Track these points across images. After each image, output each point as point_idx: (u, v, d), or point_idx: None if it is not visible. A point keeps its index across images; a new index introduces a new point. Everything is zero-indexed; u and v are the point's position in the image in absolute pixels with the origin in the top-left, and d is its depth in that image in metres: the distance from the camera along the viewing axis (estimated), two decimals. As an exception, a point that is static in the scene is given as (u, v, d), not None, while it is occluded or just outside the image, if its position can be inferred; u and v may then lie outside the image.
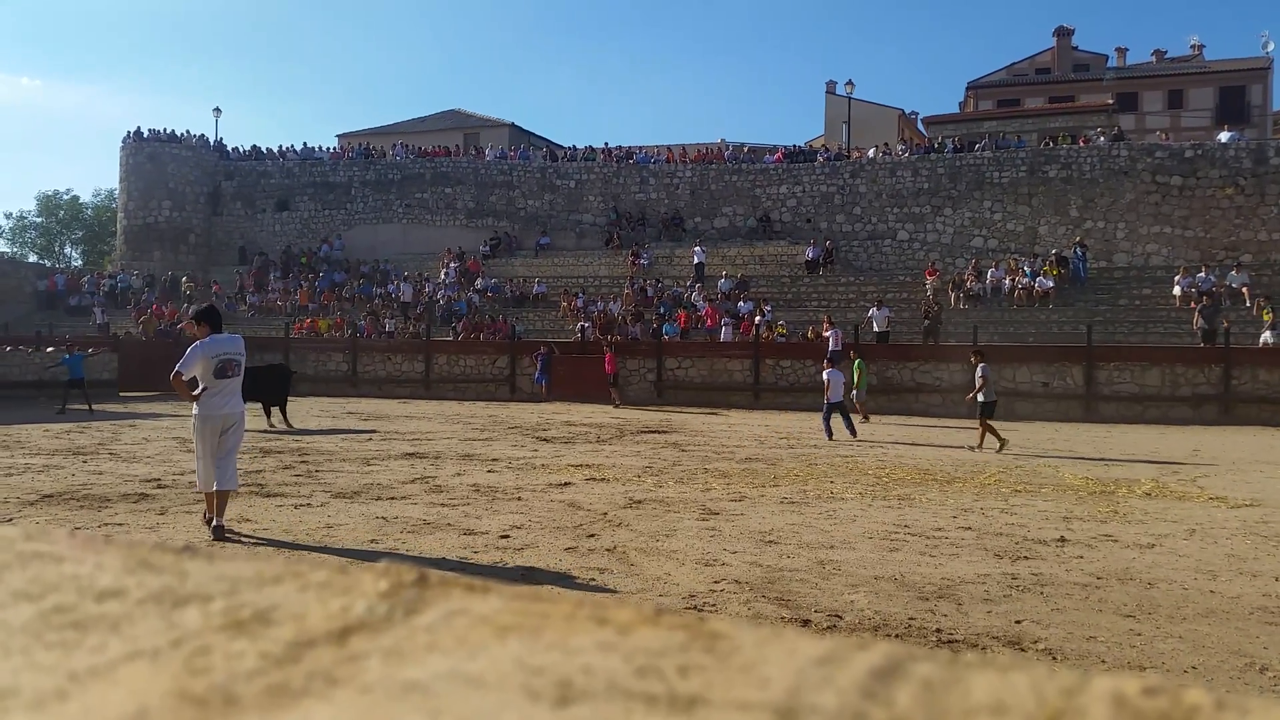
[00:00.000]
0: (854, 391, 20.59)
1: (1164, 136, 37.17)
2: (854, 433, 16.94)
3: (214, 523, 7.84)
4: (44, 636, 0.60)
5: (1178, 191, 32.76)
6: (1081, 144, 34.81)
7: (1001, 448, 14.74)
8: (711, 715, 0.48)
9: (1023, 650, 5.05)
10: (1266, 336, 24.86)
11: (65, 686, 0.54)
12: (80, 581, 0.70)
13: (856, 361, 21.03)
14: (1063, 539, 7.92)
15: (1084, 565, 6.99)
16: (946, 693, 0.49)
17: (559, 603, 0.63)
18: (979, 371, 15.63)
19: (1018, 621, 5.55)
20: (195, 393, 7.90)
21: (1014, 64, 56.40)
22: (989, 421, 15.26)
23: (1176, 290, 28.85)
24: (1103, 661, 4.89)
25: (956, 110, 53.44)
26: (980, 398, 15.41)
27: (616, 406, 24.50)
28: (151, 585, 0.69)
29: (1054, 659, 4.92)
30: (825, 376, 17.39)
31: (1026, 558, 7.21)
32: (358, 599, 0.65)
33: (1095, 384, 23.63)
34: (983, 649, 5.05)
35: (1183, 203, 32.71)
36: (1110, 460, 14.23)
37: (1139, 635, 5.32)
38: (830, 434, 16.79)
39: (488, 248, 39.46)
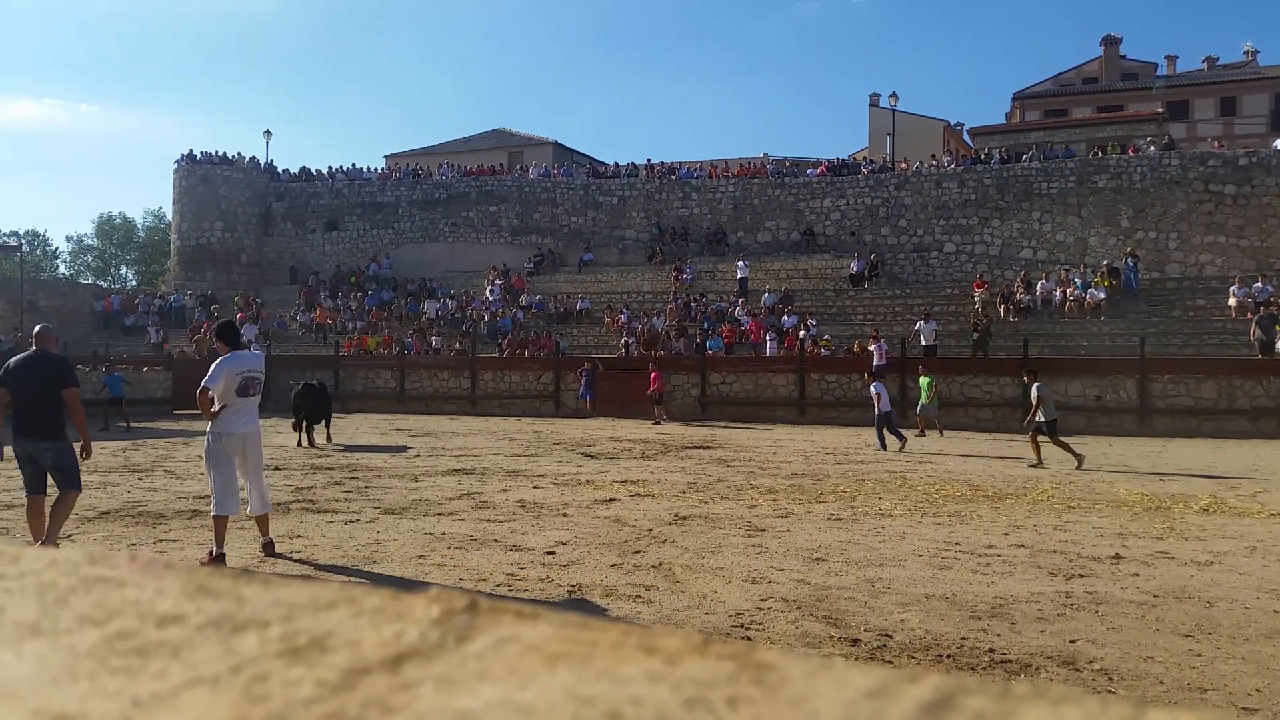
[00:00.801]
0: (920, 406, 20.96)
1: (1215, 144, 36.48)
2: (902, 441, 17.41)
3: (264, 541, 7.82)
4: (109, 662, 0.62)
5: (1232, 200, 32.12)
6: (1131, 153, 34.27)
7: (1079, 463, 14.41)
8: (761, 748, 0.48)
9: (1078, 670, 4.95)
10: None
11: (130, 713, 0.55)
12: (142, 607, 0.72)
13: (928, 379, 21.01)
14: (1118, 556, 7.76)
15: (1140, 583, 6.84)
16: (998, 727, 0.49)
17: (607, 631, 0.63)
18: (1035, 391, 15.11)
19: (1072, 641, 5.45)
20: (214, 410, 7.60)
21: (1061, 74, 55.82)
22: (1060, 438, 14.84)
23: (1232, 301, 28.23)
24: (1161, 683, 4.77)
25: (1003, 121, 52.94)
26: (1041, 416, 14.90)
27: (656, 424, 24.35)
28: (211, 610, 0.70)
29: (1110, 679, 4.82)
30: (873, 390, 18.11)
31: (1081, 575, 7.08)
32: (410, 625, 0.66)
33: (1149, 397, 23.16)
34: (1036, 669, 4.96)
35: (1237, 211, 32.06)
36: (1166, 475, 13.93)
37: (1199, 656, 5.19)
38: (884, 445, 17.49)
39: (532, 264, 39.75)
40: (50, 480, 7.71)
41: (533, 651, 0.61)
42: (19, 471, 7.87)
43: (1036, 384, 15.23)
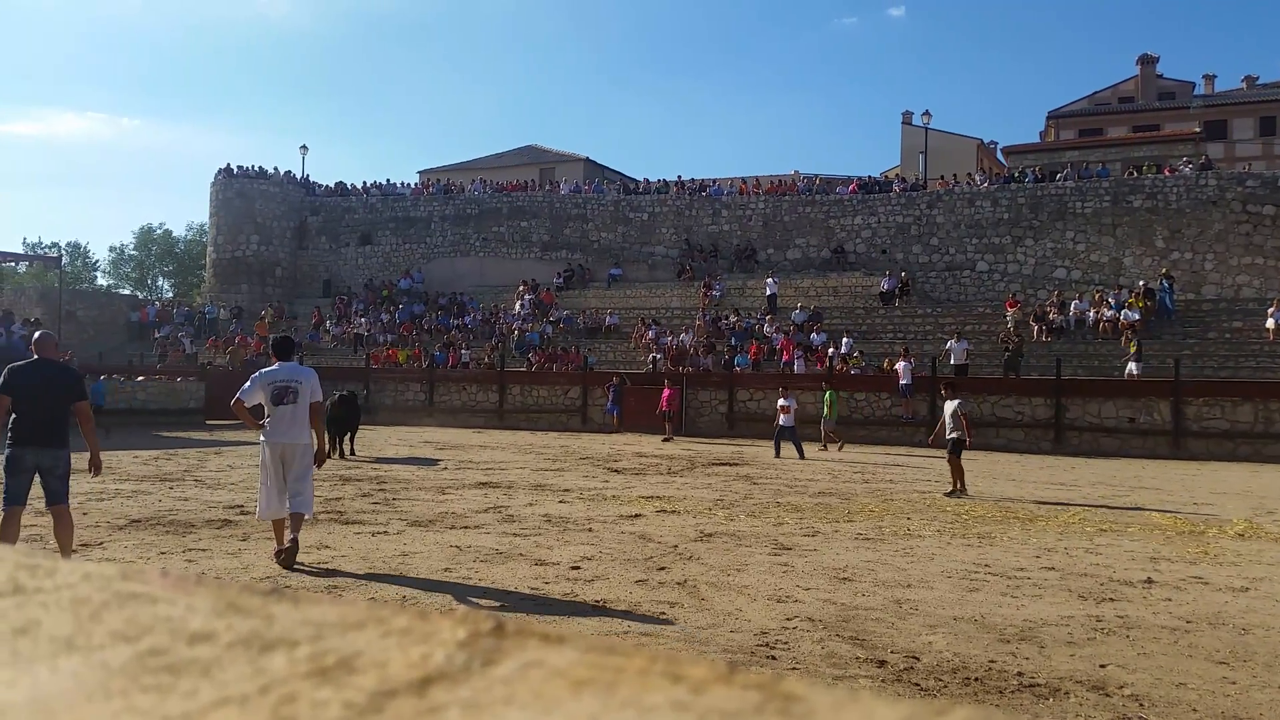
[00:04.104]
0: (823, 419, 22.13)
1: (1247, 167, 35.98)
2: (802, 455, 19.12)
3: (286, 541, 7.87)
4: (141, 680, 0.63)
5: (1270, 221, 31.68)
6: (1167, 173, 33.91)
7: (957, 492, 13.26)
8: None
9: (1108, 695, 4.88)
10: (1132, 368, 24.66)
11: (161, 731, 0.56)
12: (174, 623, 0.72)
13: (828, 393, 22.06)
14: (1150, 580, 7.65)
15: (1172, 608, 6.74)
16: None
17: (633, 657, 0.63)
18: (955, 407, 13.69)
19: (1102, 665, 5.37)
20: (261, 421, 8.08)
21: (1096, 93, 55.43)
22: (959, 460, 13.44)
23: (1270, 323, 27.77)
24: (1194, 710, 4.69)
25: (1037, 140, 52.61)
26: (956, 435, 13.50)
27: (665, 440, 24.25)
28: (240, 629, 0.71)
29: (1141, 705, 4.74)
30: (780, 403, 19.72)
31: (1112, 599, 6.98)
32: (437, 647, 0.66)
33: (1184, 420, 22.84)
34: (1065, 694, 4.89)
35: (1276, 232, 31.61)
36: (1200, 499, 13.72)
37: (1233, 684, 5.09)
38: (779, 453, 19.35)
39: (561, 280, 39.89)
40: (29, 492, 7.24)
41: (558, 677, 0.61)
42: None
43: (958, 400, 13.96)
